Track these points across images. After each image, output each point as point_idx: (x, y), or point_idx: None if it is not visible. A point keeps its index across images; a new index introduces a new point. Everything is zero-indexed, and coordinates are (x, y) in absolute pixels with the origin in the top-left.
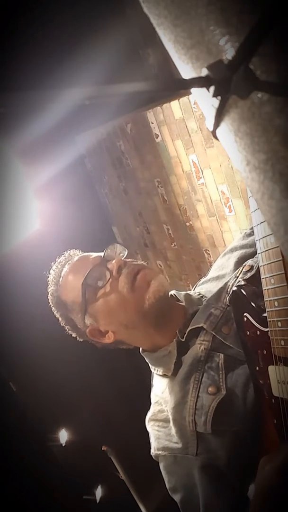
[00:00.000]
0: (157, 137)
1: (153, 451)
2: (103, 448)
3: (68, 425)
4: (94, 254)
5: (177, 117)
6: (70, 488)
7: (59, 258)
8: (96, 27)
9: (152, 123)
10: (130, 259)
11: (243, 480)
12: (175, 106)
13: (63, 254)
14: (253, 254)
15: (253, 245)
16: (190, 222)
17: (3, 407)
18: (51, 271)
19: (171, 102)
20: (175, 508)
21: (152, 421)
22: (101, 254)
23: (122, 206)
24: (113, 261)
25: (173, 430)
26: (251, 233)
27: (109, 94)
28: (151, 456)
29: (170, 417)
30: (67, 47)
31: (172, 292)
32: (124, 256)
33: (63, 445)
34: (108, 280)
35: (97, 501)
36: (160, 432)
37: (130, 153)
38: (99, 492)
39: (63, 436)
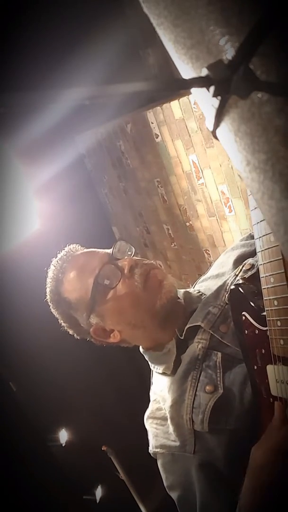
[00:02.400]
0: (157, 137)
1: (151, 449)
2: (103, 448)
3: (68, 425)
4: (100, 251)
5: (177, 117)
6: (70, 488)
7: (59, 253)
8: (96, 27)
9: (152, 123)
10: (139, 258)
11: (240, 478)
12: (175, 106)
13: (63, 249)
14: (253, 253)
15: (253, 244)
16: (190, 222)
17: (3, 407)
18: (51, 266)
19: (171, 102)
20: (175, 508)
21: (151, 419)
22: (107, 251)
23: (122, 206)
24: (125, 260)
25: (170, 428)
26: None
27: (109, 94)
28: (151, 456)
29: (168, 415)
30: (67, 47)
31: None
32: (132, 255)
33: (63, 445)
34: (120, 279)
35: (97, 501)
36: (158, 430)
37: (130, 153)
38: (99, 492)
39: (63, 436)
